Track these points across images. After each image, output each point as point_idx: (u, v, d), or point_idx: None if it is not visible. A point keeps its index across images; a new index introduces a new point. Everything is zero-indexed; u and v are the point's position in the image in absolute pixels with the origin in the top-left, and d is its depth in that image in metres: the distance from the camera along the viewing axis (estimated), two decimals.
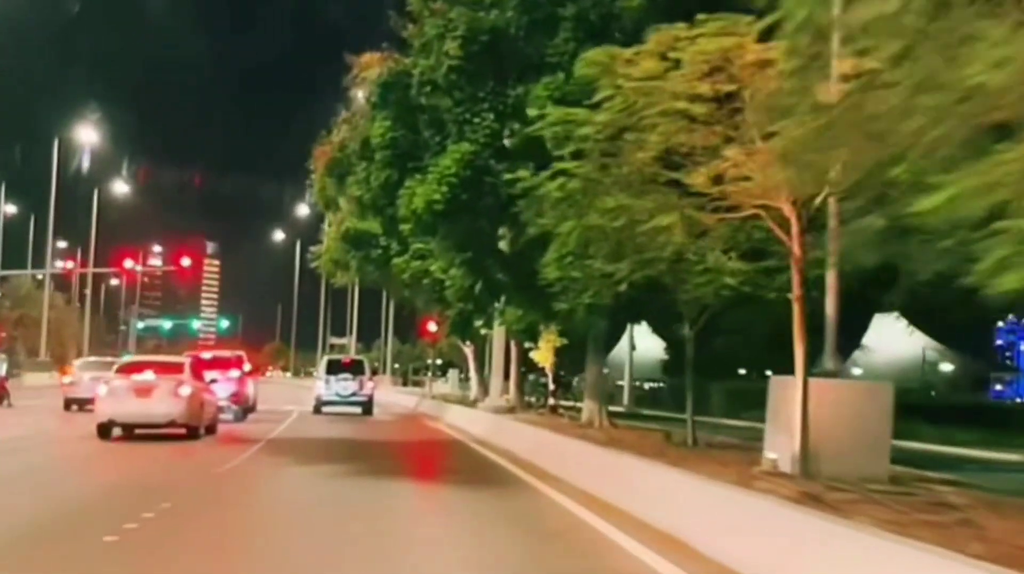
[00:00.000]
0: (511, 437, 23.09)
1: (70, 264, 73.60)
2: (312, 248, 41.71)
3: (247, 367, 36.98)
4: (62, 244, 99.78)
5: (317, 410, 38.02)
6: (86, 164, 74.76)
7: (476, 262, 24.55)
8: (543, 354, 31.29)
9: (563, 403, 32.42)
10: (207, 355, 31.83)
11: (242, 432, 26.80)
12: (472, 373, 43.02)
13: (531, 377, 39.84)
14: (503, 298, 25.65)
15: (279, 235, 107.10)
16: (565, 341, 31.19)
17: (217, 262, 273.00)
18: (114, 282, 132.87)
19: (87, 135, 72.57)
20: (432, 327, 49.41)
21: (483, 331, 36.88)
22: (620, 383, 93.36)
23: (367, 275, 39.83)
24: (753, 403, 39.58)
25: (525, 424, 24.63)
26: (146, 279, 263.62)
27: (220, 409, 26.98)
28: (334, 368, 38.25)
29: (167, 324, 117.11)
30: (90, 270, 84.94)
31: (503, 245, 26.26)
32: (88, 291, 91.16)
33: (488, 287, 24.96)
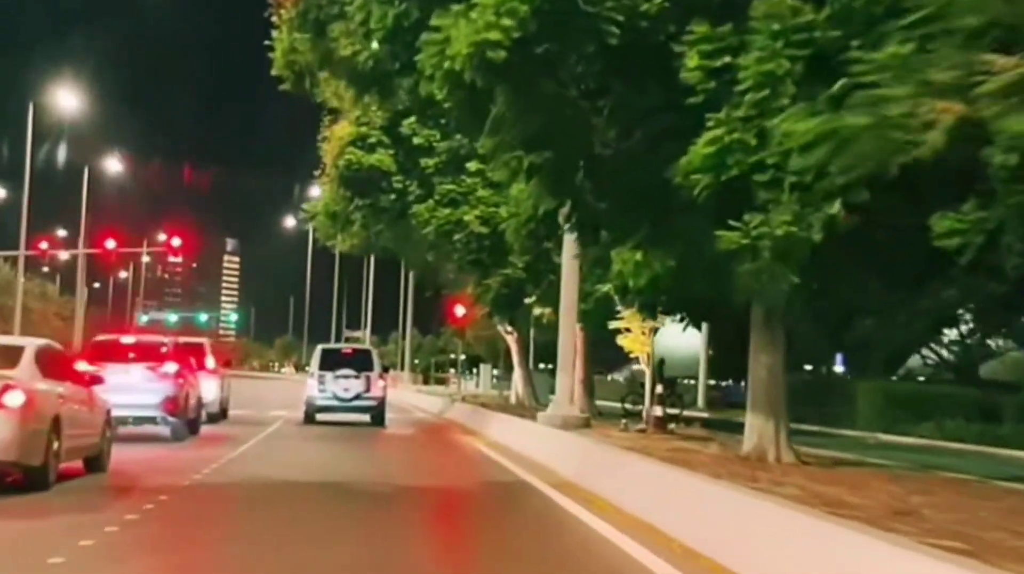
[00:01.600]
0: (639, 488, 11.61)
1: (44, 245, 61.98)
2: (304, 206, 30.29)
3: (210, 361, 25.75)
4: (62, 233, 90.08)
5: (309, 418, 26.75)
6: (63, 148, 64.57)
7: (562, 167, 13.08)
8: (637, 340, 19.87)
9: (669, 411, 20.83)
10: (128, 339, 20.49)
11: (158, 464, 15.61)
12: (516, 369, 31.59)
13: (624, 374, 28.67)
14: (602, 236, 14.13)
15: (291, 222, 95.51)
16: (673, 319, 19.82)
17: (237, 258, 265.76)
18: (123, 275, 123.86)
19: (69, 105, 61.53)
20: (460, 311, 37.89)
21: (537, 310, 25.47)
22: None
23: (377, 236, 28.41)
24: (924, 412, 27.92)
25: (640, 456, 13.21)
26: (166, 276, 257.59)
27: (120, 423, 15.74)
28: (331, 361, 26.87)
29: (172, 317, 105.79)
30: (81, 250, 73.97)
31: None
32: (81, 279, 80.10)
33: (581, 214, 13.47)
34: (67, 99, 55.79)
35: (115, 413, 19.42)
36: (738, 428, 25.22)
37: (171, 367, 19.61)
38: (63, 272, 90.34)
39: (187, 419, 20.27)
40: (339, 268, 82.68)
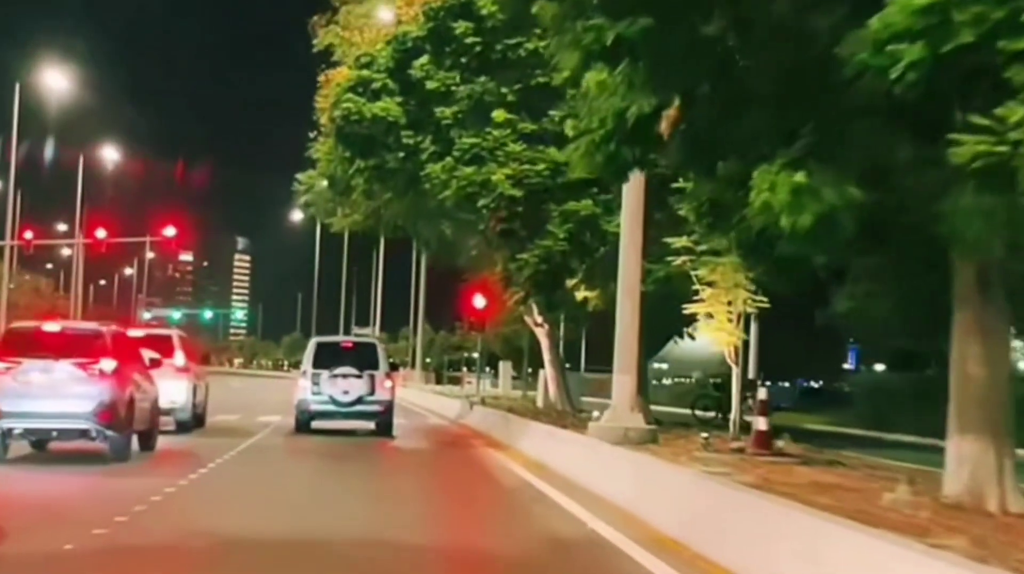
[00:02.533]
0: None
1: (29, 234, 56.88)
2: (299, 176, 25.13)
3: (179, 357, 20.76)
4: (62, 227, 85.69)
5: (301, 427, 21.76)
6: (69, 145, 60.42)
7: (669, 43, 7.97)
8: (723, 328, 14.78)
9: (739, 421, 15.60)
10: (52, 327, 15.31)
11: (62, 504, 10.70)
12: (548, 367, 26.45)
13: (698, 372, 24.05)
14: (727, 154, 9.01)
15: (298, 215, 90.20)
16: (763, 302, 14.81)
17: (248, 257, 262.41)
18: (129, 272, 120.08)
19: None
20: (479, 302, 32.75)
21: (581, 294, 20.37)
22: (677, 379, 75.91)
23: (385, 207, 23.24)
24: None
25: (794, 506, 8.09)
26: (177, 275, 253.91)
27: None
28: (328, 357, 21.82)
29: (176, 314, 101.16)
30: (77, 240, 69.40)
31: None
32: (76, 269, 75.27)
33: (697, 118, 8.38)
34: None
35: (35, 424, 14.65)
36: (831, 441, 20.10)
37: (108, 364, 14.52)
38: (68, 269, 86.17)
39: (133, 432, 15.23)
40: (347, 258, 77.73)
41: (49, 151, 68.33)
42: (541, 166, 18.47)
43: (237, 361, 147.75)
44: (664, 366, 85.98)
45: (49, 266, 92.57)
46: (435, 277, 54.04)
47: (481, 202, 18.46)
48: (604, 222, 18.34)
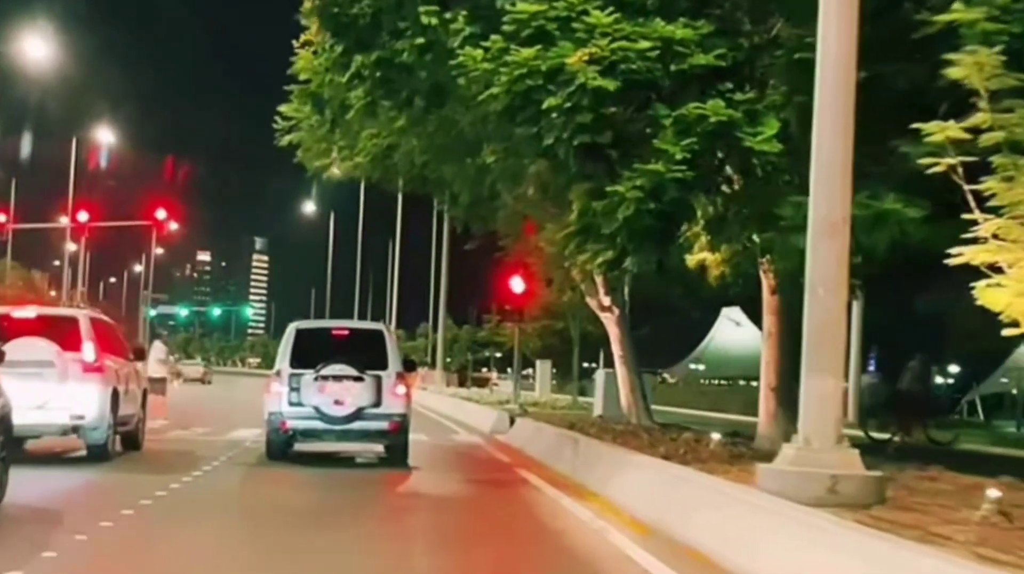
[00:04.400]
0: None
1: (2, 218, 50.22)
2: (281, 108, 17.64)
3: (88, 349, 13.64)
4: (64, 220, 79.88)
5: (277, 451, 14.72)
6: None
7: None
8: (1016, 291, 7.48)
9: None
10: None
11: None
12: (619, 367, 18.92)
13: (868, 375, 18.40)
14: None
15: (310, 207, 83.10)
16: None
17: (265, 257, 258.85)
18: (137, 268, 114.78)
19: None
20: (517, 286, 25.43)
21: (699, 257, 13.14)
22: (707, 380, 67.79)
23: (400, 139, 15.86)
24: None
25: None
26: (195, 275, 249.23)
27: None
28: (313, 351, 14.60)
29: (183, 312, 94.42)
30: (66, 224, 63.64)
31: None
32: (76, 269, 68.66)
33: None
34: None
35: None
36: None
37: None
38: (74, 267, 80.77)
39: None
40: (362, 244, 70.78)
41: (53, 146, 63.24)
42: (644, 45, 11.13)
43: (253, 361, 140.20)
44: (700, 367, 77.19)
45: (56, 263, 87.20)
46: (459, 263, 46.65)
47: (549, 102, 11.11)
48: (746, 134, 11.02)
